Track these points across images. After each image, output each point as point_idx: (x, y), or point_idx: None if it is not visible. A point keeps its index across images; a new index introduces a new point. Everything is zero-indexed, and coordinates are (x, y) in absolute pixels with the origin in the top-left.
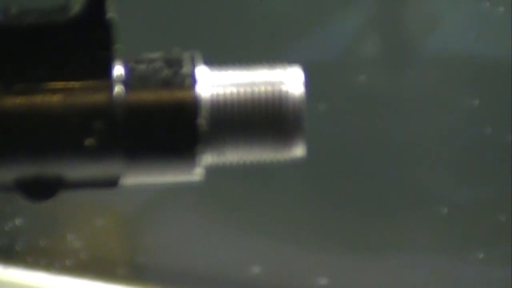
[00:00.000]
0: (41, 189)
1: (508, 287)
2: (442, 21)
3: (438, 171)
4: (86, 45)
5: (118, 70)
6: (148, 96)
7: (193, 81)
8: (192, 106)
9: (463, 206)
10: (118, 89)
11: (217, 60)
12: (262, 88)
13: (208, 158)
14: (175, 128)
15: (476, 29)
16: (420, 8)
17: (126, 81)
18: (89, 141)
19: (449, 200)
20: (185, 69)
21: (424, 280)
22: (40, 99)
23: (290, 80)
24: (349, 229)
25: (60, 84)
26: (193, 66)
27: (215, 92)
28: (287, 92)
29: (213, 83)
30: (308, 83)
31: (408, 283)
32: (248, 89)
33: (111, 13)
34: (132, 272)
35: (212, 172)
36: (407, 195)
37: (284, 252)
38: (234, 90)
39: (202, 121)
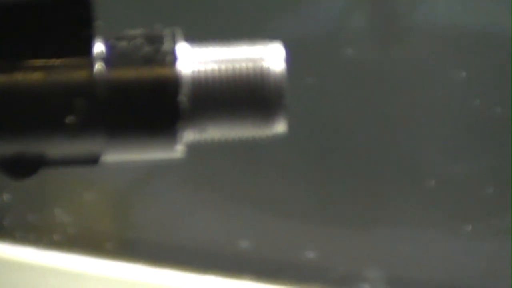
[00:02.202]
0: (23, 167)
1: (495, 259)
2: None
3: (427, 145)
4: (67, 22)
5: (99, 47)
6: (129, 73)
7: (174, 58)
8: (173, 83)
9: (451, 179)
10: (98, 66)
11: (198, 36)
12: (243, 65)
13: (189, 135)
14: (156, 105)
15: (463, 1)
16: None
17: (107, 59)
18: (70, 119)
19: (438, 173)
20: (166, 46)
21: (413, 254)
22: (21, 77)
23: (271, 57)
24: (337, 203)
25: (40, 62)
26: (174, 43)
27: (196, 69)
28: (268, 68)
29: (194, 60)
30: (296, 57)
31: (396, 257)
32: (229, 66)
33: None
34: (120, 247)
35: (199, 147)
36: (396, 169)
37: (272, 226)
38: (215, 66)
39: (183, 98)
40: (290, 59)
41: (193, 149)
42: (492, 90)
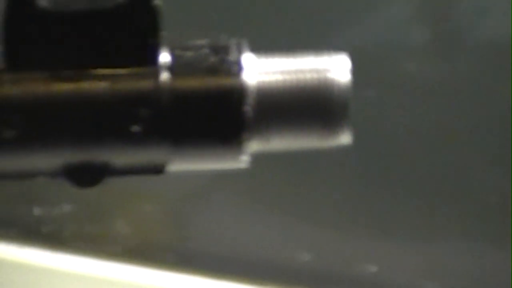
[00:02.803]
0: (88, 175)
1: None
2: (491, 9)
3: (486, 161)
4: (133, 31)
5: (165, 57)
6: (194, 83)
7: (240, 68)
8: (238, 93)
9: (508, 196)
10: (164, 76)
11: (264, 47)
12: (308, 76)
13: (253, 146)
14: (221, 115)
15: None
16: None
17: (172, 68)
18: (135, 128)
19: (495, 189)
20: (231, 56)
21: (469, 267)
22: (87, 86)
23: (336, 68)
24: (397, 217)
25: (106, 71)
26: (240, 53)
27: (261, 79)
28: (333, 79)
29: (259, 70)
30: (357, 70)
31: (453, 270)
32: (294, 77)
33: (157, 0)
34: (179, 259)
35: (259, 158)
36: (453, 183)
37: (333, 239)
38: (280, 77)
39: (248, 108)
40: (353, 70)
41: (254, 160)
42: None
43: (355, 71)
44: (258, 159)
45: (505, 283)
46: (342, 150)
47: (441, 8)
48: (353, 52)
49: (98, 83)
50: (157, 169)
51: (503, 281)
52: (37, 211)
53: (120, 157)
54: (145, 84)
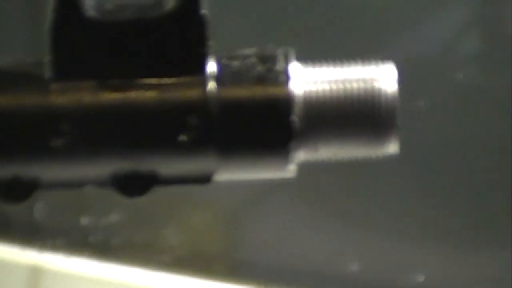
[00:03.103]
0: (136, 185)
1: None
2: None
3: None
4: (180, 41)
5: (212, 66)
6: (241, 92)
7: (287, 77)
8: (285, 103)
9: None
10: (211, 85)
11: (312, 56)
12: (355, 85)
13: (301, 155)
14: (268, 124)
15: None
16: None
17: (220, 78)
18: (183, 137)
19: None
20: (278, 66)
21: None
22: (135, 95)
23: (383, 77)
24: (445, 225)
25: (154, 80)
26: (287, 63)
27: (308, 89)
28: (380, 89)
29: (306, 79)
30: (408, 80)
31: (502, 278)
32: (341, 86)
33: (205, 9)
34: (230, 268)
35: (309, 167)
36: (504, 193)
37: (381, 248)
38: (327, 86)
39: (295, 118)
40: (402, 81)
41: (303, 169)
42: None
43: (407, 81)
44: (310, 167)
45: None
46: (394, 160)
47: (492, 19)
48: (404, 61)
49: (146, 93)
50: (205, 179)
51: None
52: (84, 220)
53: (168, 166)
54: (192, 94)
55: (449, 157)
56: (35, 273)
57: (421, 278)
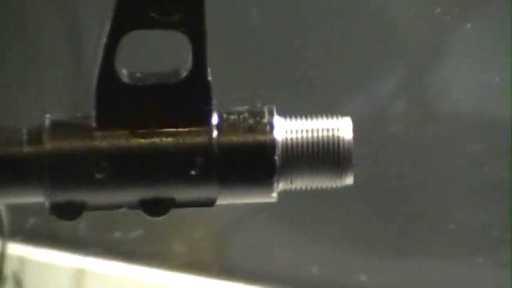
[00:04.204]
0: (159, 208)
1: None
2: (458, 85)
3: (452, 199)
4: (191, 100)
5: (215, 119)
6: (237, 139)
7: (271, 128)
8: (270, 147)
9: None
10: (215, 133)
11: (288, 111)
12: (321, 134)
13: (280, 186)
14: (257, 163)
15: (483, 92)
16: (439, 75)
17: (220, 128)
18: (193, 172)
19: (457, 219)
20: (264, 119)
21: (439, 280)
22: (157, 141)
23: (342, 128)
24: (387, 240)
25: (171, 129)
26: (271, 117)
27: (286, 137)
28: (339, 136)
29: (285, 129)
30: (356, 131)
31: (427, 281)
32: (311, 134)
33: (210, 77)
34: (221, 271)
35: (285, 195)
36: (431, 216)
37: (335, 256)
38: (300, 135)
39: (277, 158)
40: (355, 130)
41: (282, 196)
42: (504, 158)
43: (356, 131)
44: (286, 195)
45: None
46: (349, 189)
47: (420, 84)
48: (355, 116)
49: (165, 139)
50: (209, 203)
51: None
52: (117, 234)
53: (182, 193)
54: (200, 140)
55: (388, 187)
56: (79, 274)
57: (364, 278)
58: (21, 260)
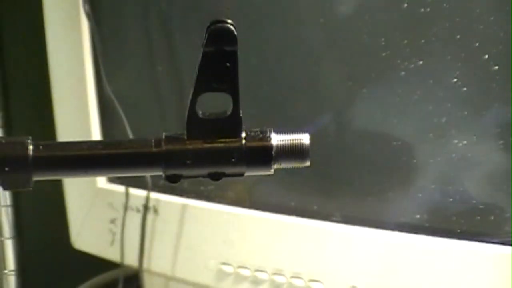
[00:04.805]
0: (217, 177)
1: None
2: None
3: None
4: (232, 125)
5: (243, 134)
6: (253, 144)
7: (270, 138)
8: (270, 148)
9: None
10: (243, 141)
11: (280, 127)
12: (294, 141)
13: (275, 166)
14: (264, 156)
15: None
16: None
17: (245, 139)
18: (233, 160)
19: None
20: (267, 133)
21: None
22: (216, 145)
23: (305, 138)
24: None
25: (223, 140)
26: (270, 132)
27: (277, 143)
28: (303, 143)
29: (277, 138)
30: (312, 139)
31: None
32: (289, 141)
33: (241, 115)
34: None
35: (276, 171)
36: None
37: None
38: (284, 142)
39: (273, 153)
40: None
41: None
42: None
43: (312, 138)
44: (276, 171)
45: None
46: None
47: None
48: (310, 131)
49: (220, 144)
50: (240, 175)
51: None
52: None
53: (228, 170)
54: (237, 145)
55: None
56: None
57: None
58: (157, 200)
